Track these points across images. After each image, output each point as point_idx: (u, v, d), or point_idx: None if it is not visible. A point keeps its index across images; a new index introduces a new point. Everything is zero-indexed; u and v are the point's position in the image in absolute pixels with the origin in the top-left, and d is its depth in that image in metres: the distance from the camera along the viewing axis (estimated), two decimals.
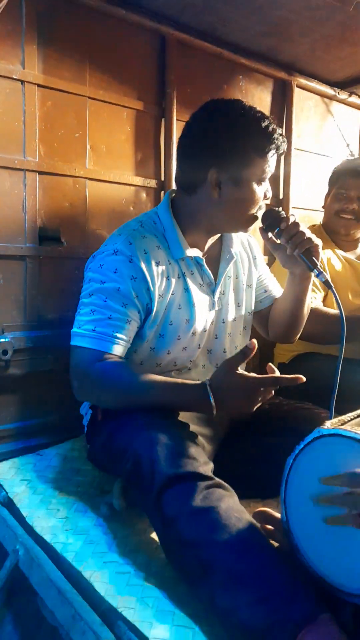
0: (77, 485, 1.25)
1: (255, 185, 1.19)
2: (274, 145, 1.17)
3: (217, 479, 0.93)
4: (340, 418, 0.88)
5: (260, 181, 1.20)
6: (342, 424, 0.84)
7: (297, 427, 1.09)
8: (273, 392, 1.09)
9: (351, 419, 0.89)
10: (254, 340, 1.07)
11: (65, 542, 1.01)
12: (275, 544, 0.89)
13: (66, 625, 0.85)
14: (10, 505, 1.16)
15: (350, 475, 0.75)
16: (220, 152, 1.17)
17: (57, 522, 1.08)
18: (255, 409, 1.08)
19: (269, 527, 0.93)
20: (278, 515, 0.92)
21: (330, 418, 0.91)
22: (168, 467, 0.92)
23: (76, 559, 0.96)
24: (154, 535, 1.01)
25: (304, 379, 1.03)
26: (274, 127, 1.17)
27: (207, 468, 0.95)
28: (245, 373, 1.06)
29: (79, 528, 1.06)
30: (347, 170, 1.89)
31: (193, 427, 1.11)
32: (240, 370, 1.06)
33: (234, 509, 0.87)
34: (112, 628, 0.82)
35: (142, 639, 0.78)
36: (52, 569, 0.95)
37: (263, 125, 1.16)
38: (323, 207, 1.98)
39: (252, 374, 1.06)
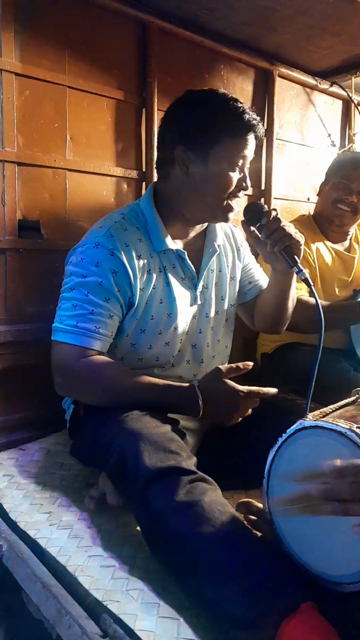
0: (61, 479, 1.25)
1: (225, 168, 1.17)
2: (244, 126, 1.15)
3: (200, 473, 0.94)
4: (322, 410, 0.89)
5: (232, 165, 1.17)
6: (323, 416, 0.85)
7: (280, 418, 1.09)
8: (254, 407, 1.13)
9: (333, 411, 0.90)
10: (250, 363, 1.11)
11: (49, 537, 1.01)
12: (259, 534, 0.91)
13: (52, 620, 0.85)
14: None
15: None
16: (186, 129, 1.16)
17: (40, 517, 1.07)
18: (236, 421, 1.12)
19: (253, 517, 0.94)
20: (261, 505, 0.93)
21: (306, 410, 0.92)
22: (152, 462, 0.92)
23: (60, 553, 0.96)
24: (138, 529, 1.01)
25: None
26: (247, 110, 1.16)
27: (190, 462, 0.96)
28: (234, 384, 1.09)
29: (63, 522, 1.06)
30: (352, 162, 1.86)
31: (177, 421, 1.11)
32: (229, 381, 1.09)
33: (217, 503, 0.88)
34: (97, 621, 0.82)
35: (128, 631, 0.79)
36: (36, 564, 0.95)
37: (232, 104, 1.15)
38: (318, 194, 1.95)
39: (241, 387, 1.09)
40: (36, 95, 1.46)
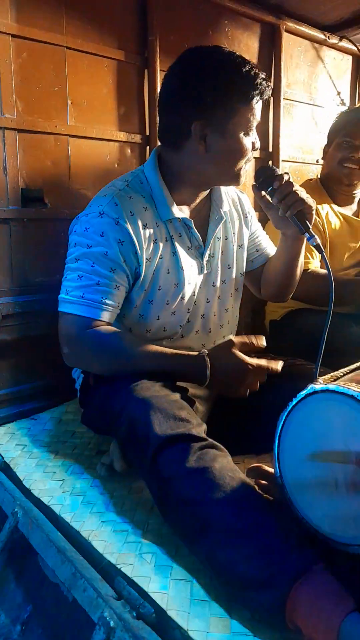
0: (73, 447, 1.26)
1: (242, 136, 1.14)
2: (257, 91, 1.12)
3: (210, 440, 0.94)
4: (332, 374, 0.88)
5: (247, 131, 1.15)
6: (334, 380, 0.84)
7: (290, 382, 1.09)
8: (262, 381, 1.13)
9: (343, 375, 0.89)
10: (262, 338, 1.11)
11: (63, 504, 1.02)
12: (270, 498, 0.91)
13: (67, 583, 0.87)
14: (6, 469, 1.17)
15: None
16: (202, 103, 1.11)
17: (54, 484, 1.09)
18: (243, 395, 1.11)
19: (263, 482, 0.95)
20: (272, 470, 0.93)
21: (316, 374, 0.91)
22: (162, 429, 0.92)
23: (74, 519, 0.98)
24: (150, 495, 1.03)
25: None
26: (256, 71, 1.11)
27: (200, 429, 0.96)
28: (243, 356, 1.08)
29: (76, 489, 1.08)
30: (353, 119, 1.82)
31: (186, 389, 1.11)
32: (240, 353, 1.09)
33: (227, 469, 0.88)
34: (112, 584, 0.84)
35: (142, 593, 0.80)
36: (51, 530, 0.97)
37: (244, 70, 1.10)
38: (323, 158, 1.92)
39: (250, 359, 1.08)
40: (34, 57, 1.41)
